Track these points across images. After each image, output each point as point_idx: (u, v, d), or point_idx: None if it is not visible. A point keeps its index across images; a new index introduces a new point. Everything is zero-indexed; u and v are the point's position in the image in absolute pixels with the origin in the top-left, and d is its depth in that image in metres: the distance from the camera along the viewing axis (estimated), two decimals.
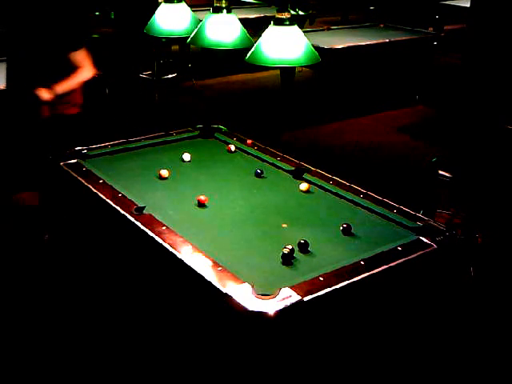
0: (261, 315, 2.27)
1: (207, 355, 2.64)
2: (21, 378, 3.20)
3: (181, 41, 8.00)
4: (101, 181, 3.28)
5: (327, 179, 3.44)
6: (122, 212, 2.97)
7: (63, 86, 3.99)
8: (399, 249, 2.73)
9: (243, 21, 3.45)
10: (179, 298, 2.73)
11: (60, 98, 4.00)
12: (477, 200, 4.19)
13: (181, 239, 2.74)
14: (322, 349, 2.50)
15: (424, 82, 8.19)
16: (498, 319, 3.64)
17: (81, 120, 4.29)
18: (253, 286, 2.40)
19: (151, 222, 2.88)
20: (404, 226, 2.98)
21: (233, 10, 3.33)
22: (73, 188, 3.42)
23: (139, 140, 3.96)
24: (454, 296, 2.99)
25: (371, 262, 2.62)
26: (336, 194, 3.32)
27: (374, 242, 2.84)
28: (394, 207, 3.14)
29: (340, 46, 7.17)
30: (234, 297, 2.34)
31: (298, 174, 3.54)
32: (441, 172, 4.26)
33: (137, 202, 3.06)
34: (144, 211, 2.98)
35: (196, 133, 4.13)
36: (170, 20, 3.64)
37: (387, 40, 7.72)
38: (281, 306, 2.30)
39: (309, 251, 2.74)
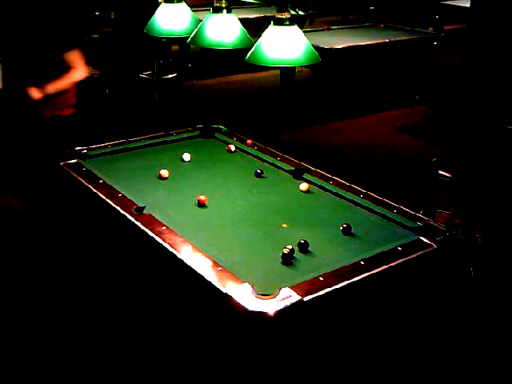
0: (261, 315, 2.27)
1: (207, 355, 2.64)
2: (21, 378, 3.20)
3: (181, 41, 8.01)
4: (101, 181, 3.28)
5: (327, 179, 3.44)
6: (122, 212, 2.97)
7: (55, 86, 3.98)
8: (399, 249, 2.73)
9: (243, 21, 3.44)
10: (179, 298, 2.73)
11: (52, 98, 3.99)
12: (477, 200, 4.19)
13: (181, 239, 2.74)
14: (321, 349, 2.50)
15: (424, 82, 8.19)
16: (498, 319, 3.64)
17: (76, 121, 4.29)
18: (253, 286, 2.40)
19: (151, 222, 2.88)
20: (404, 226, 2.98)
21: (233, 10, 3.33)
22: (73, 188, 3.42)
23: (139, 140, 3.96)
24: (454, 296, 2.99)
25: (371, 262, 2.62)
26: (336, 194, 3.32)
27: (374, 242, 2.84)
28: (394, 207, 3.14)
29: (340, 46, 7.17)
30: (233, 297, 2.34)
31: (298, 174, 3.54)
32: (441, 172, 4.26)
33: (137, 202, 3.06)
34: (144, 211, 2.98)
35: (196, 133, 4.13)
36: (170, 20, 3.64)
37: (387, 40, 7.72)
38: (281, 305, 2.30)
39: (309, 251, 2.74)
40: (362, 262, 2.61)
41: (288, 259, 2.66)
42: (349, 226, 2.92)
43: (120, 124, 6.11)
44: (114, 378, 3.19)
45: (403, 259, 2.66)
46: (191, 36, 3.42)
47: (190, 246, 2.69)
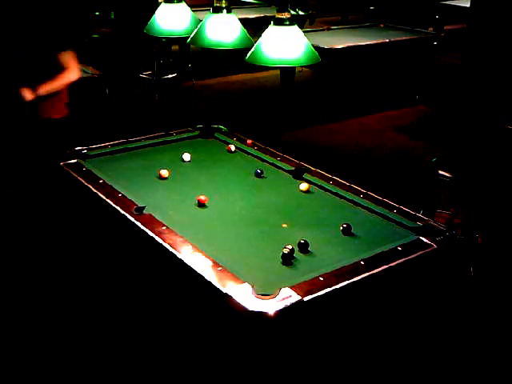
0: (261, 315, 2.27)
1: (207, 355, 2.64)
2: (21, 378, 3.20)
3: (181, 41, 8.00)
4: (101, 181, 3.28)
5: (327, 179, 3.44)
6: (122, 212, 2.97)
7: (47, 87, 3.96)
8: (399, 249, 2.73)
9: (243, 21, 3.44)
10: (179, 298, 2.73)
11: (45, 100, 3.98)
12: (477, 200, 4.19)
13: (181, 239, 2.74)
14: (321, 349, 2.50)
15: (424, 81, 8.19)
16: (498, 319, 3.64)
17: (76, 121, 4.28)
18: (253, 286, 2.40)
19: (151, 221, 2.88)
20: (404, 226, 2.98)
21: (233, 10, 3.33)
22: (73, 188, 3.42)
23: (139, 140, 3.96)
24: (454, 296, 2.99)
25: (371, 262, 2.62)
26: (336, 194, 3.32)
27: (373, 242, 2.84)
28: (394, 207, 3.14)
29: (340, 46, 7.16)
30: (234, 297, 2.34)
31: (298, 174, 3.54)
32: (441, 172, 4.26)
33: (137, 202, 3.06)
34: (144, 211, 2.98)
35: (196, 133, 4.14)
36: (170, 20, 3.64)
37: (387, 40, 7.72)
38: (281, 306, 2.30)
39: (309, 251, 2.74)
40: (362, 262, 2.61)
41: (288, 259, 2.66)
42: (349, 226, 2.92)
43: (120, 124, 6.10)
44: (114, 377, 3.19)
45: (403, 259, 2.66)
46: (191, 36, 3.42)
47: (190, 246, 2.69)
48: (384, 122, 7.35)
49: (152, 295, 2.94)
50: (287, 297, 2.34)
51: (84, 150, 3.70)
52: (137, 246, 2.95)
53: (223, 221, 3.03)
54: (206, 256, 2.62)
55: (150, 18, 3.73)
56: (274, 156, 3.77)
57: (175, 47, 9.13)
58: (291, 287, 2.39)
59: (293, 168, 3.60)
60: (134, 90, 7.93)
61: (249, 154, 3.85)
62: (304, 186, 3.36)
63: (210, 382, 2.70)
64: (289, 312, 2.30)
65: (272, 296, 2.34)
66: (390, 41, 7.71)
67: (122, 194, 3.14)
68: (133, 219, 2.91)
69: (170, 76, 8.63)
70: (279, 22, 2.88)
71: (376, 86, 7.96)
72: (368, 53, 7.53)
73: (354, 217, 3.08)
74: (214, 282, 2.44)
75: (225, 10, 3.30)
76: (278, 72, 7.67)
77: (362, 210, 3.17)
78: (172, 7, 3.64)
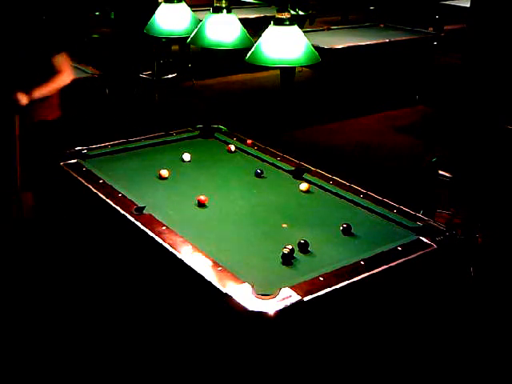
0: (261, 315, 2.27)
1: (207, 355, 2.64)
2: (21, 378, 3.20)
3: (181, 41, 8.00)
4: (101, 181, 3.28)
5: (327, 179, 3.44)
6: (122, 212, 2.97)
7: (42, 91, 3.95)
8: (399, 249, 2.73)
9: (243, 21, 3.44)
10: (179, 298, 2.73)
11: (39, 103, 3.96)
12: (477, 200, 4.19)
13: (181, 239, 2.74)
14: (321, 349, 2.50)
15: (424, 82, 8.19)
16: (498, 319, 3.64)
17: (70, 122, 4.26)
18: (253, 286, 2.40)
19: (151, 221, 2.88)
20: (404, 226, 2.98)
21: (233, 10, 3.33)
22: (73, 188, 3.42)
23: (139, 140, 3.96)
24: (454, 296, 2.99)
25: (371, 262, 2.62)
26: (336, 194, 3.32)
27: (373, 242, 2.84)
28: (394, 207, 3.14)
29: (340, 46, 7.16)
30: (234, 297, 2.34)
31: (298, 174, 3.54)
32: (441, 172, 4.26)
33: (137, 202, 3.06)
34: (144, 211, 2.98)
35: (196, 133, 4.14)
36: (170, 20, 3.64)
37: (387, 40, 7.72)
38: (281, 306, 2.30)
39: (309, 251, 2.74)
40: (362, 262, 2.61)
41: (288, 259, 2.66)
42: (349, 226, 2.92)
43: (120, 124, 6.11)
44: (115, 377, 3.19)
45: (403, 259, 2.66)
46: (191, 36, 3.41)
47: (190, 246, 2.69)
48: (384, 122, 7.35)
49: (152, 295, 2.94)
50: (287, 297, 2.34)
51: (84, 149, 3.70)
52: (137, 246, 2.95)
53: (223, 221, 3.03)
54: (206, 256, 2.62)
55: (150, 18, 3.73)
56: (274, 156, 3.77)
57: (175, 47, 9.13)
58: (291, 287, 2.39)
59: (293, 168, 3.60)
60: (133, 90, 7.93)
61: (249, 154, 3.85)
62: (304, 186, 3.36)
63: (210, 382, 2.70)
64: (289, 312, 2.30)
65: (272, 296, 2.34)
66: (389, 41, 7.70)
67: (122, 194, 3.14)
68: (133, 219, 2.91)
69: (170, 76, 8.64)
70: (279, 22, 2.88)
71: (376, 86, 7.96)
72: (368, 53, 7.53)
73: (353, 217, 3.08)
74: (214, 282, 2.44)
75: (225, 10, 3.30)
76: (278, 72, 7.67)
77: (362, 210, 3.17)
78: (172, 7, 3.64)
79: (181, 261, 2.60)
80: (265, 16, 8.28)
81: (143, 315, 3.09)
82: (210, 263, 2.57)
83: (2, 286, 3.85)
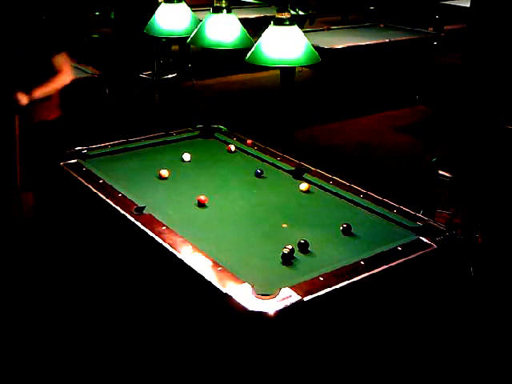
0: (261, 315, 2.27)
1: (207, 355, 2.64)
2: (21, 378, 3.20)
3: (181, 41, 8.00)
4: (101, 181, 3.28)
5: (327, 179, 3.44)
6: (122, 212, 2.97)
7: (42, 91, 3.94)
8: (399, 249, 2.73)
9: (243, 21, 3.44)
10: (179, 298, 2.73)
11: (39, 103, 3.96)
12: (477, 200, 4.19)
13: (181, 239, 2.74)
14: (321, 349, 2.50)
15: (424, 81, 8.19)
16: (498, 319, 3.64)
17: (70, 122, 4.25)
18: (253, 286, 2.40)
19: (151, 221, 2.88)
20: (404, 226, 2.98)
21: (233, 10, 3.33)
22: (73, 188, 3.41)
23: (139, 140, 3.96)
24: (454, 296, 2.99)
25: (371, 262, 2.62)
26: (336, 194, 3.32)
27: (373, 242, 2.84)
28: (394, 207, 3.14)
29: (340, 46, 7.16)
30: (234, 297, 2.34)
31: (298, 174, 3.54)
32: (441, 172, 4.26)
33: (137, 202, 3.06)
34: (144, 211, 2.98)
35: (196, 133, 4.14)
36: (170, 20, 3.64)
37: (387, 40, 7.72)
38: (281, 306, 2.30)
39: (309, 251, 2.74)
40: (362, 262, 2.61)
41: (288, 259, 2.66)
42: (349, 226, 2.92)
43: (120, 124, 6.11)
44: (115, 377, 3.19)
45: (403, 259, 2.66)
46: (191, 36, 3.42)
47: (190, 246, 2.69)
48: (384, 122, 7.34)
49: (152, 295, 2.94)
50: (287, 297, 2.34)
51: (84, 149, 3.70)
52: (137, 246, 2.95)
53: (223, 221, 3.03)
54: (206, 256, 2.62)
55: (150, 18, 3.73)
56: (274, 156, 3.77)
57: (175, 47, 9.13)
58: (291, 287, 2.39)
59: (293, 168, 3.60)
60: (133, 90, 7.93)
61: (249, 154, 3.85)
62: (304, 186, 3.36)
63: (210, 382, 2.70)
64: (289, 312, 2.30)
65: (272, 296, 2.34)
66: (390, 41, 7.70)
67: (122, 194, 3.14)
68: (133, 219, 2.90)
69: (170, 76, 8.64)
70: (279, 22, 2.88)
71: (376, 86, 7.96)
72: (368, 53, 7.53)
73: (353, 217, 3.08)
74: (214, 282, 2.44)
75: (225, 10, 3.30)
76: (278, 72, 7.67)
77: (362, 210, 3.17)
78: (172, 7, 3.64)
79: (181, 261, 2.60)
80: (265, 16, 8.28)
81: (143, 315, 3.09)
82: (210, 263, 2.57)
83: (2, 286, 3.85)
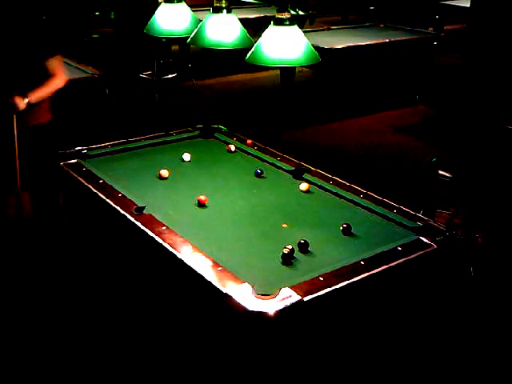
0: (261, 315, 2.27)
1: (207, 355, 2.64)
2: (21, 378, 3.20)
3: (181, 41, 8.01)
4: (101, 181, 3.28)
5: (327, 179, 3.44)
6: (122, 212, 2.97)
7: (37, 95, 3.92)
8: (399, 249, 2.73)
9: (243, 21, 3.44)
10: (179, 298, 2.73)
11: (34, 107, 3.94)
12: (477, 200, 4.19)
13: (181, 239, 2.74)
14: (321, 349, 2.50)
15: (424, 81, 8.19)
16: (498, 319, 3.64)
17: (70, 122, 4.24)
18: (253, 286, 2.40)
19: (151, 221, 2.88)
20: (404, 226, 2.98)
21: (233, 10, 3.33)
22: (73, 188, 3.41)
23: (139, 140, 3.96)
24: (454, 296, 2.99)
25: (371, 262, 2.62)
26: (336, 194, 3.32)
27: (373, 242, 2.84)
28: (394, 207, 3.14)
29: (340, 46, 7.17)
30: (234, 297, 2.34)
31: (298, 174, 3.54)
32: (441, 172, 4.26)
33: (137, 202, 3.06)
34: (144, 211, 2.98)
35: (196, 133, 4.14)
36: (170, 20, 3.64)
37: (387, 40, 7.72)
38: (281, 306, 2.30)
39: (309, 251, 2.74)
40: (362, 262, 2.61)
41: (288, 259, 2.66)
42: (349, 226, 2.92)
43: (120, 124, 6.11)
44: (115, 377, 3.19)
45: (403, 259, 2.66)
46: (191, 36, 3.41)
47: (190, 246, 2.69)
48: (384, 122, 7.35)
49: (152, 295, 2.94)
50: (287, 297, 2.34)
51: (84, 149, 3.70)
52: (137, 246, 2.95)
53: (223, 221, 3.03)
54: (206, 256, 2.62)
55: (150, 18, 3.73)
56: (274, 156, 3.77)
57: (175, 47, 9.13)
58: (291, 287, 2.39)
59: (293, 168, 3.60)
60: (134, 90, 7.93)
61: (249, 154, 3.85)
62: (304, 186, 3.36)
63: (210, 382, 2.70)
64: (289, 312, 2.30)
65: (272, 296, 2.34)
66: (390, 41, 7.71)
67: (122, 194, 3.14)
68: (133, 219, 2.91)
69: (170, 76, 8.64)
70: (279, 22, 2.88)
71: (376, 86, 7.96)
72: (368, 53, 7.54)
73: (353, 217, 3.08)
74: (214, 282, 2.43)
75: (225, 10, 3.30)
76: (278, 72, 7.67)
77: (362, 210, 3.17)
78: (172, 7, 3.64)
79: (181, 261, 2.60)
80: (265, 16, 8.29)
81: (143, 315, 3.10)
82: (210, 263, 2.57)
83: (1, 286, 3.85)
